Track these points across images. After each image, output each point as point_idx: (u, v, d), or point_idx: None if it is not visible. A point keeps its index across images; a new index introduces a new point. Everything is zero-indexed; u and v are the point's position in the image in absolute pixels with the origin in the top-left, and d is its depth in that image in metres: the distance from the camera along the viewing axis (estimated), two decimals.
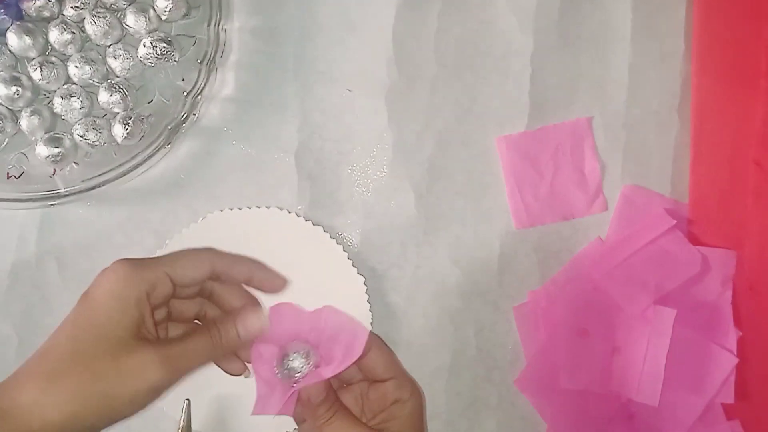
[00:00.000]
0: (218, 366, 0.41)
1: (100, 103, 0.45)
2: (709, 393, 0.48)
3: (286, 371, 0.39)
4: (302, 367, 0.38)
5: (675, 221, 0.49)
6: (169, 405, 0.48)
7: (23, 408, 0.28)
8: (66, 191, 0.45)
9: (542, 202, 0.50)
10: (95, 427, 0.31)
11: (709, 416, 0.49)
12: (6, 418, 0.28)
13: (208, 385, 0.43)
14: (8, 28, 0.43)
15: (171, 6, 0.44)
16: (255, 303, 0.41)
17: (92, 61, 0.44)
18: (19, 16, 0.44)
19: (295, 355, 0.39)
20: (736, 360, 0.48)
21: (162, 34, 0.45)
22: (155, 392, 0.32)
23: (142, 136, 0.45)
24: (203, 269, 0.37)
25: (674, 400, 0.48)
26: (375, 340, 0.43)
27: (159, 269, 0.35)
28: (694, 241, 0.50)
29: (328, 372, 0.39)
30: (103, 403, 0.30)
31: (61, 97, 0.44)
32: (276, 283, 0.42)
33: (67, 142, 0.45)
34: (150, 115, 0.46)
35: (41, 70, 0.44)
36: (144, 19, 0.44)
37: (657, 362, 0.47)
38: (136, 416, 0.49)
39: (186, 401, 0.42)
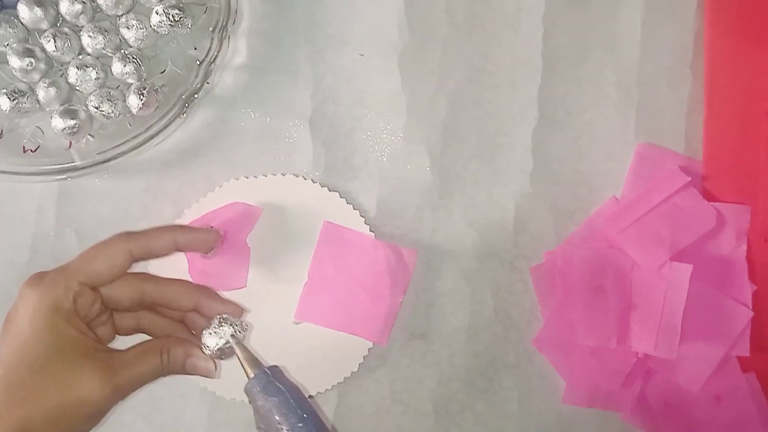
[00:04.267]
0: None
1: (114, 73, 0.45)
2: (725, 346, 0.49)
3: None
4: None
5: (689, 178, 0.49)
6: None
7: None
8: (82, 164, 0.45)
9: None
10: None
11: (725, 369, 0.49)
12: None
13: None
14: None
15: None
16: (209, 293, 0.38)
17: (105, 31, 0.44)
18: None
19: None
20: (751, 313, 0.49)
21: (173, 1, 0.45)
22: (100, 415, 0.32)
23: (157, 107, 0.45)
24: (118, 258, 0.35)
25: (691, 354, 0.49)
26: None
27: (71, 280, 0.34)
28: (709, 197, 0.50)
29: None
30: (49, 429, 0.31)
31: (77, 68, 0.44)
32: (206, 239, 0.39)
33: (82, 114, 0.45)
34: (164, 85, 0.46)
35: (54, 41, 0.43)
36: None
37: (674, 317, 0.47)
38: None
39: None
